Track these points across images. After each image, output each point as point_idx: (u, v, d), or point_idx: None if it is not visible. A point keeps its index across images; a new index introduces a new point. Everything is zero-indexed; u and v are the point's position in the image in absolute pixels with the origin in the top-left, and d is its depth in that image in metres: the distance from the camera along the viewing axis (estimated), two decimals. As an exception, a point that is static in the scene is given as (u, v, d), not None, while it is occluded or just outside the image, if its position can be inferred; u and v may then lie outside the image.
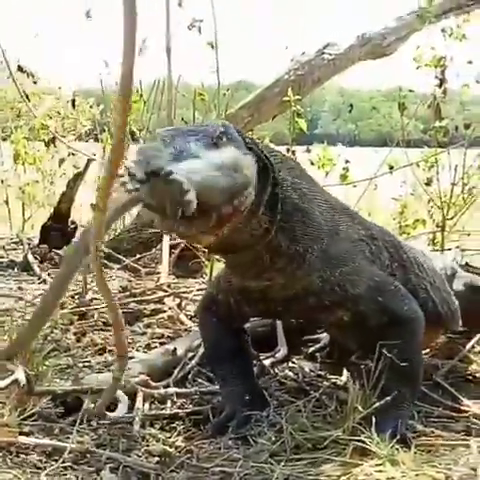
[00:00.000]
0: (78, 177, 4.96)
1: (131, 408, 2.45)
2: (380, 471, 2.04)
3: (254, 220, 2.11)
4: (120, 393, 2.40)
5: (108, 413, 2.12)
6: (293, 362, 3.09)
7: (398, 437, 2.20)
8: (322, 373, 2.99)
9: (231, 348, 2.59)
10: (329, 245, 2.33)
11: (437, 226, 5.14)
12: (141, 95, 5.76)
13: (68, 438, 2.22)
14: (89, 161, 5.05)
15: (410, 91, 5.14)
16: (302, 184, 2.30)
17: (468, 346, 3.18)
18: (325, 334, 3.30)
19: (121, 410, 2.25)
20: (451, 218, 5.03)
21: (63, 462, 2.08)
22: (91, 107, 7.01)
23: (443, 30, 4.78)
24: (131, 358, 2.87)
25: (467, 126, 4.99)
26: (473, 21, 5.26)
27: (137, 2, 1.73)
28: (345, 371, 2.86)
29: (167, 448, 2.20)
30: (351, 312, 2.38)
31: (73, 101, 6.61)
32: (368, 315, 2.38)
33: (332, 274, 2.32)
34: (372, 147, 7.27)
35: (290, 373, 2.94)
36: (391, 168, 5.19)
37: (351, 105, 5.85)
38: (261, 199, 2.10)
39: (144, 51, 5.41)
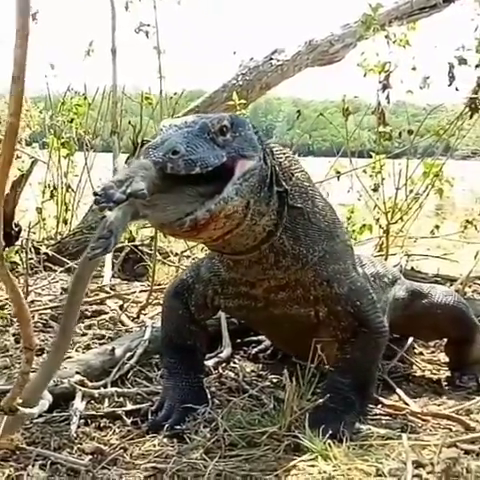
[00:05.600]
0: (22, 179, 4.90)
1: (67, 407, 2.44)
2: (312, 466, 2.06)
3: (258, 227, 2.15)
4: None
5: (23, 409, 2.07)
6: (234, 362, 3.10)
7: (331, 432, 2.21)
8: (263, 373, 3.01)
9: (188, 341, 2.60)
10: (329, 246, 2.39)
11: (383, 232, 5.18)
12: (85, 97, 5.74)
13: (-3, 437, 2.18)
14: (33, 163, 5.00)
15: (355, 97, 5.20)
16: (309, 188, 2.37)
17: (405, 347, 3.22)
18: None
19: (41, 407, 2.21)
20: (395, 222, 5.08)
21: (-10, 459, 2.05)
22: (40, 112, 6.95)
23: (387, 37, 4.82)
24: (69, 358, 2.86)
25: (411, 132, 5.04)
26: (418, 30, 5.31)
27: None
28: (285, 371, 2.87)
29: (100, 445, 2.18)
30: (328, 310, 2.42)
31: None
32: (341, 316, 2.42)
33: (325, 269, 2.37)
34: (326, 157, 7.32)
35: (231, 373, 2.94)
36: (338, 173, 5.23)
37: (299, 111, 5.88)
38: (267, 209, 2.16)
39: (91, 54, 5.42)
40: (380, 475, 1.99)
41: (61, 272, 4.57)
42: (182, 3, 5.81)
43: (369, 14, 4.95)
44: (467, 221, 5.39)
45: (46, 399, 2.21)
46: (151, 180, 1.88)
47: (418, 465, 2.05)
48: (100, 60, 5.85)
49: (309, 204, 2.34)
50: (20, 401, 1.99)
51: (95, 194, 1.83)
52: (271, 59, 5.74)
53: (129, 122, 5.37)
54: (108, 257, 4.33)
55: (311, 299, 2.40)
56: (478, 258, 4.48)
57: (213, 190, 1.98)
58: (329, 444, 2.14)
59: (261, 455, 2.15)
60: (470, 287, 4.64)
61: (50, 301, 3.88)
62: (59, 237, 5.46)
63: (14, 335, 3.25)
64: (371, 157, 5.18)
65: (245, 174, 2.04)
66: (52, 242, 5.32)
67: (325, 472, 2.01)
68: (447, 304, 2.97)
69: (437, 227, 5.53)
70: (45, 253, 4.79)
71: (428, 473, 2.01)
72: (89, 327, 3.44)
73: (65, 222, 5.78)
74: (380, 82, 4.86)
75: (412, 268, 4.92)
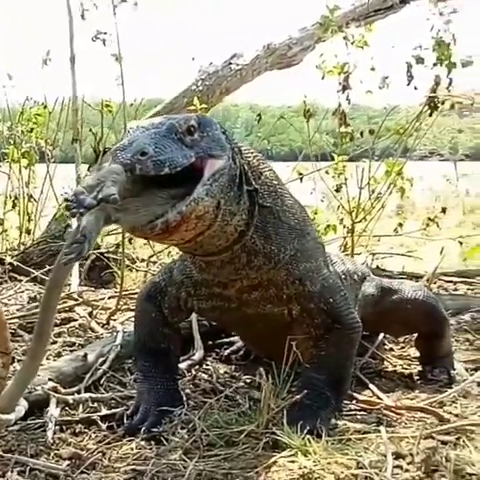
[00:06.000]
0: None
1: (41, 414, 2.42)
2: (292, 462, 2.05)
3: (229, 227, 2.15)
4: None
5: None
6: (207, 364, 3.10)
7: (309, 428, 2.21)
8: (236, 374, 3.01)
9: (162, 344, 2.58)
10: (300, 244, 2.40)
11: (347, 231, 5.22)
12: (45, 106, 5.69)
13: (-28, 445, 2.16)
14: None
15: (315, 99, 5.23)
16: (277, 186, 2.38)
17: (376, 343, 3.24)
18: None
19: (17, 413, 2.18)
20: (359, 221, 5.11)
21: (-33, 467, 2.02)
22: (-3, 124, 6.89)
23: (345, 38, 4.86)
24: (41, 365, 2.83)
25: (372, 132, 5.08)
26: (376, 31, 5.36)
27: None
28: (259, 371, 2.87)
29: (77, 451, 2.16)
30: (301, 307, 2.42)
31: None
32: (315, 313, 2.43)
33: (297, 267, 2.38)
34: (285, 162, 7.35)
35: (204, 375, 2.94)
36: (300, 174, 5.25)
37: (259, 115, 5.88)
38: (237, 208, 2.16)
39: (48, 63, 5.38)
40: (361, 467, 1.99)
41: (27, 282, 4.54)
42: (138, 10, 5.79)
43: (327, 15, 4.99)
44: (429, 219, 5.44)
45: (22, 405, 2.19)
46: (122, 184, 1.86)
47: (398, 456, 2.06)
48: (58, 70, 5.82)
49: (278, 202, 2.35)
50: (-4, 407, 1.96)
51: (66, 200, 1.81)
52: (230, 64, 5.75)
53: (90, 130, 5.34)
54: (75, 265, 4.30)
55: (284, 298, 2.41)
56: (443, 254, 4.54)
57: (184, 192, 1.97)
58: (308, 440, 2.14)
59: (240, 454, 2.15)
60: (435, 283, 4.70)
61: (17, 310, 3.84)
62: (22, 247, 5.41)
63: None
64: (333, 159, 5.21)
65: (215, 174, 2.04)
66: (16, 252, 5.27)
67: (305, 467, 2.00)
68: (417, 299, 2.99)
69: (400, 225, 5.57)
70: (10, 263, 4.75)
71: (408, 464, 2.02)
72: (59, 335, 3.41)
73: (28, 232, 5.71)
74: (340, 83, 4.90)
75: (377, 267, 4.97)
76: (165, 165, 1.91)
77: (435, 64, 4.95)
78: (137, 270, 4.53)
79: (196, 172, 2.02)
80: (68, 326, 3.53)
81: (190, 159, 1.99)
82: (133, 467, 2.07)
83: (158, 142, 1.95)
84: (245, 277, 2.33)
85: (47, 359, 3.03)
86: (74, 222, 1.81)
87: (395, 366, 3.17)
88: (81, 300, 3.93)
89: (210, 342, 3.33)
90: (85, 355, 2.84)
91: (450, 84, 4.96)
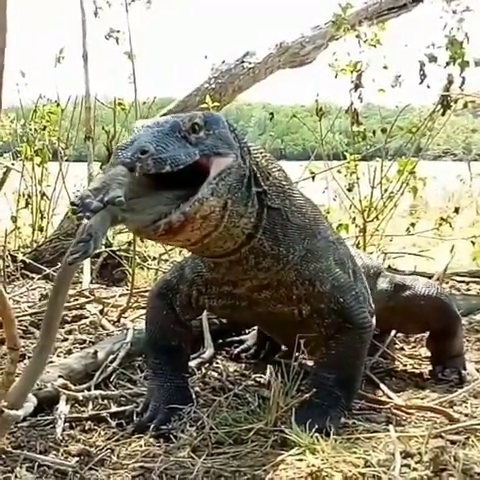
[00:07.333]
0: (-4, 187, 4.87)
1: (51, 411, 2.43)
2: (300, 460, 2.05)
3: (237, 229, 2.14)
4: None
5: (8, 411, 2.05)
6: (217, 362, 3.10)
7: (318, 427, 2.21)
8: (246, 372, 3.01)
9: (173, 341, 2.58)
10: (310, 244, 2.39)
11: (359, 231, 5.21)
12: (58, 104, 5.71)
13: (-18, 441, 2.16)
14: (7, 172, 4.96)
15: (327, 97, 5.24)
16: (286, 187, 2.36)
17: (387, 342, 3.23)
18: (250, 335, 3.34)
19: (26, 409, 2.19)
20: (371, 220, 5.10)
21: (-24, 462, 2.03)
22: (12, 122, 6.91)
23: (358, 36, 4.85)
24: (51, 362, 2.84)
25: (384, 131, 5.07)
26: (389, 29, 5.35)
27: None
28: (269, 369, 2.87)
29: (86, 447, 2.17)
30: (311, 308, 2.41)
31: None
32: (325, 313, 2.41)
33: (307, 268, 2.37)
34: (298, 161, 7.35)
35: (214, 373, 2.94)
36: (312, 173, 5.24)
37: (272, 114, 5.89)
38: (245, 210, 2.14)
39: (61, 61, 5.40)
40: (369, 466, 1.99)
41: (39, 279, 4.56)
42: (151, 8, 5.81)
43: (339, 14, 4.98)
44: (442, 218, 5.42)
45: (31, 402, 2.19)
46: (128, 186, 1.86)
47: (406, 455, 2.05)
48: (71, 67, 5.85)
49: (287, 203, 2.33)
50: (5, 403, 1.97)
51: (72, 203, 1.81)
52: (243, 62, 5.75)
53: (103, 128, 5.35)
54: (86, 262, 4.32)
55: (294, 298, 2.40)
56: (453, 253, 4.52)
57: (190, 192, 1.96)
58: (316, 438, 2.13)
59: (248, 451, 2.15)
60: (447, 283, 4.69)
61: (29, 308, 3.85)
62: (35, 245, 5.43)
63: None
64: (346, 158, 5.20)
65: (221, 173, 2.02)
66: (28, 250, 5.29)
67: (313, 465, 2.00)
68: (430, 295, 2.98)
69: (413, 225, 5.55)
70: (22, 261, 4.77)
71: (416, 463, 2.01)
72: (70, 332, 3.42)
73: (41, 230, 5.73)
74: (352, 82, 4.89)
75: (389, 266, 4.95)
76: (166, 163, 1.90)
77: (448, 63, 4.94)
78: (148, 268, 4.54)
79: (204, 172, 2.01)
80: (79, 323, 3.54)
81: (194, 157, 1.97)
82: (141, 464, 2.08)
83: (160, 140, 1.93)
84: (254, 277, 2.32)
85: (57, 356, 3.04)
86: (82, 221, 1.80)
87: (406, 365, 3.16)
88: (92, 298, 3.94)
89: (220, 340, 3.34)
90: (95, 352, 2.84)
91: (463, 83, 4.95)
